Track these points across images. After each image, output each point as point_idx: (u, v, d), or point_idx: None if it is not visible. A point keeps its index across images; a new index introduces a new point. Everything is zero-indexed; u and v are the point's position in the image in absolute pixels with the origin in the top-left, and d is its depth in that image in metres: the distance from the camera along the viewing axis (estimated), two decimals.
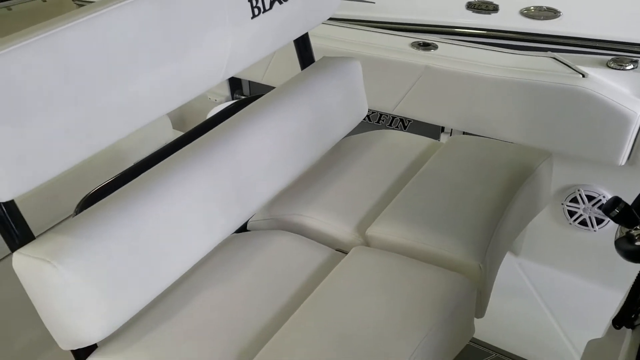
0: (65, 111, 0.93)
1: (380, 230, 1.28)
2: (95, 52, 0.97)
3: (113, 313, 1.02)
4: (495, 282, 2.04)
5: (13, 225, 0.98)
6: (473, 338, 1.82)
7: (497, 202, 1.30)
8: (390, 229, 1.27)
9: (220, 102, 2.63)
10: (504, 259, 2.13)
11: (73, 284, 0.95)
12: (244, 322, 1.11)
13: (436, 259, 1.21)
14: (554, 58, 1.90)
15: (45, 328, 1.87)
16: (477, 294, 1.19)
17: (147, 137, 2.12)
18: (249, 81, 2.56)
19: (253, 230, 1.43)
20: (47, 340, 1.84)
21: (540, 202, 1.44)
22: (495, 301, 1.97)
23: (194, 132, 1.33)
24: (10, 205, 0.97)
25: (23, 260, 0.97)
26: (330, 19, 2.37)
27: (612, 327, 1.03)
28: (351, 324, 1.03)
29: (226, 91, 2.62)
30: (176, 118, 2.68)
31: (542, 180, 1.41)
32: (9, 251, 1.76)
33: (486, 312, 1.91)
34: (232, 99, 2.65)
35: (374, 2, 2.84)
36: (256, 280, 1.20)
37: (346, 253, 1.25)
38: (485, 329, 1.85)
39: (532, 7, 2.51)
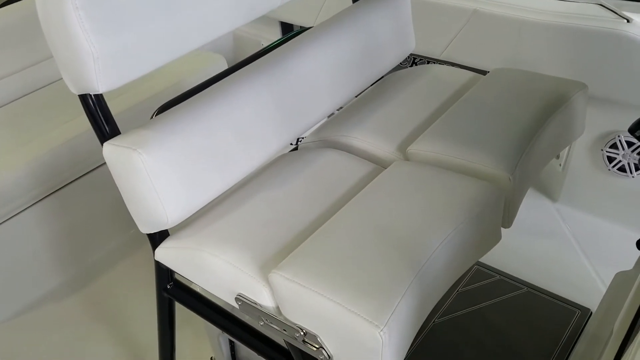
0: (155, 20, 1.08)
1: (419, 148, 1.38)
2: None
3: (187, 199, 1.16)
4: (531, 224, 2.12)
5: (103, 119, 1.14)
6: (506, 273, 1.92)
7: (531, 124, 1.38)
8: (429, 146, 1.37)
9: None
10: (542, 205, 2.21)
11: (154, 170, 1.09)
12: (298, 215, 1.24)
13: (470, 171, 1.31)
14: (601, 5, 1.93)
15: (123, 237, 2.07)
16: (505, 204, 1.29)
17: (206, 74, 2.28)
18: (301, 26, 2.67)
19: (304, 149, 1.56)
20: (126, 247, 2.04)
21: (574, 131, 1.51)
22: (529, 242, 2.06)
23: (250, 59, 1.47)
24: (101, 99, 1.13)
25: (112, 150, 1.11)
26: None
27: None
28: (388, 218, 1.15)
29: (278, 36, 2.74)
30: (230, 61, 2.84)
31: (576, 109, 1.49)
32: (93, 166, 1.95)
33: (519, 251, 2.00)
34: None
35: None
36: (307, 185, 1.33)
37: None
38: (518, 267, 1.94)
39: None
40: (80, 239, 1.99)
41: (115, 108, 1.91)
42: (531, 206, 2.22)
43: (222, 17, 1.21)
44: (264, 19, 2.74)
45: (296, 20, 2.58)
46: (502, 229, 1.40)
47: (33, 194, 1.80)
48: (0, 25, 2.05)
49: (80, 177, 1.93)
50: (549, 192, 2.26)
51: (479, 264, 1.95)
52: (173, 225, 1.19)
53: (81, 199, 1.95)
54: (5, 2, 4.55)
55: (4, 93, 2.10)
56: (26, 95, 2.16)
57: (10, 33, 2.08)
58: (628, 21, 1.82)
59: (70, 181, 1.91)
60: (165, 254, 1.27)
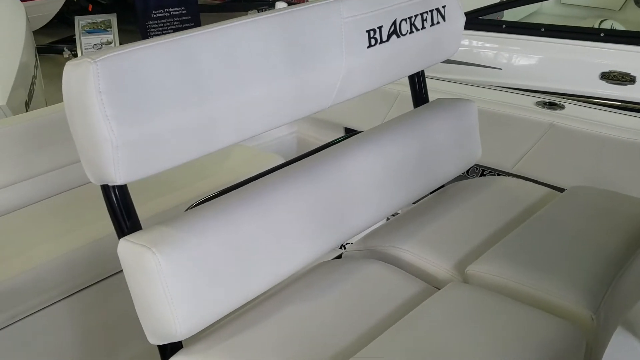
0: (185, 110, 0.99)
1: (481, 269, 1.19)
2: (218, 60, 1.04)
3: (202, 310, 1.02)
4: None
5: (124, 212, 1.03)
6: None
7: (618, 253, 1.17)
8: (493, 268, 1.18)
9: None
10: (628, 344, 1.89)
11: (169, 273, 0.97)
12: (328, 338, 1.07)
13: (542, 304, 1.10)
14: None
15: (138, 345, 1.91)
16: (586, 350, 1.05)
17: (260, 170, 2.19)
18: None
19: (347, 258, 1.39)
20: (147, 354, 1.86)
21: None
22: None
23: (302, 156, 1.36)
24: (124, 191, 1.03)
25: (127, 247, 1.00)
26: (457, 82, 2.36)
27: None
28: (438, 352, 0.95)
29: None
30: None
31: None
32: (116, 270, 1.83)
33: None
34: None
35: (500, 69, 2.80)
36: (345, 301, 1.16)
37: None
38: None
39: None
40: (104, 338, 1.86)
41: (156, 207, 1.81)
42: (613, 345, 1.91)
43: (258, 115, 1.11)
44: (329, 124, 2.69)
45: (360, 126, 2.50)
46: None
47: (67, 287, 1.71)
48: (44, 123, 2.05)
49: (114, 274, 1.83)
50: (636, 330, 1.95)
51: None
52: (183, 339, 1.04)
53: (110, 298, 1.84)
54: None
55: (53, 185, 2.07)
56: (79, 187, 2.13)
57: (54, 131, 2.07)
58: None
59: (104, 277, 1.81)
60: None
